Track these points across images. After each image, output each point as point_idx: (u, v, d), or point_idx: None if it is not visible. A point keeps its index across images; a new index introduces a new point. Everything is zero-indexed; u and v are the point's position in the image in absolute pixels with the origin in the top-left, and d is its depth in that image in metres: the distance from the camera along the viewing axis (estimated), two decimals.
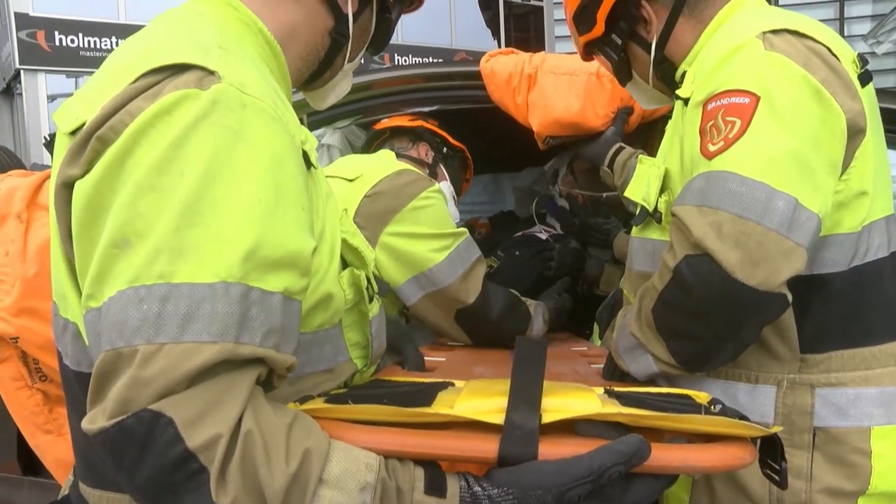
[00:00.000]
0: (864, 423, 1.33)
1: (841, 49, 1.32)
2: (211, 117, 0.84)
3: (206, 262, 0.80)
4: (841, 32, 8.40)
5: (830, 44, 1.31)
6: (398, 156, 2.29)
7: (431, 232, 1.98)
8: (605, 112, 2.24)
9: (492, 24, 15.20)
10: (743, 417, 0.91)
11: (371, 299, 1.16)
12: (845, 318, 1.36)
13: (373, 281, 1.18)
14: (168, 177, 0.81)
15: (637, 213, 1.53)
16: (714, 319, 1.23)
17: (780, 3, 7.57)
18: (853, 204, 1.32)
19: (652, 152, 2.03)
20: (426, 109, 2.60)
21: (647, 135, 2.43)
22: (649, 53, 1.58)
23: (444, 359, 1.79)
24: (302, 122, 1.10)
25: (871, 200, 1.33)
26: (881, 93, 1.57)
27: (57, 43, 11.57)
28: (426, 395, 0.96)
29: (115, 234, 0.82)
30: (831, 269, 1.34)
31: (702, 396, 1.04)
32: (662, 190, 1.45)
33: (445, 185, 2.43)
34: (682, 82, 1.47)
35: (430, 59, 13.93)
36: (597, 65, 2.21)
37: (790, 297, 1.21)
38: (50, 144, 1.14)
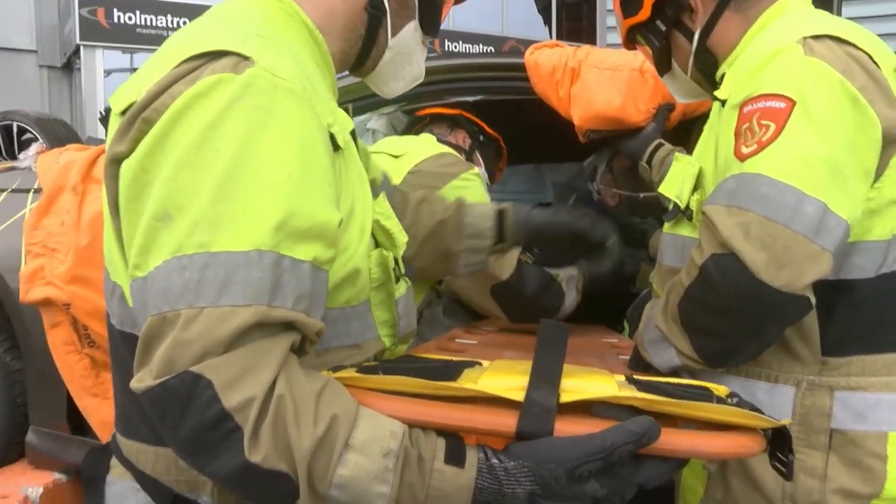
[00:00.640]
0: (883, 429, 1.33)
1: (883, 56, 1.32)
2: (244, 99, 0.89)
3: (241, 232, 0.86)
4: None
5: (872, 51, 1.30)
6: (437, 140, 2.34)
7: None
8: (646, 108, 2.25)
9: (544, 12, 15.04)
10: (756, 410, 0.93)
11: (398, 280, 1.20)
12: (870, 325, 1.35)
13: (400, 263, 1.22)
14: (205, 154, 0.87)
15: (670, 209, 1.55)
16: (738, 318, 1.25)
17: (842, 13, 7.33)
18: (885, 212, 1.32)
19: (691, 150, 2.05)
20: (470, 99, 2.63)
21: (688, 132, 2.43)
22: (691, 43, 1.58)
23: (475, 342, 1.83)
24: (346, 110, 1.14)
25: None
26: None
27: (115, 20, 11.75)
28: (453, 370, 1.00)
29: (157, 208, 0.88)
30: (859, 276, 1.33)
31: (721, 389, 1.06)
32: (696, 188, 1.46)
33: (480, 171, 2.48)
34: (721, 83, 1.48)
35: (481, 47, 13.86)
36: (640, 60, 2.22)
37: (813, 301, 1.22)
38: (105, 119, 1.21)
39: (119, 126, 0.95)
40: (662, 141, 2.18)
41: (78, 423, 2.31)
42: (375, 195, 1.21)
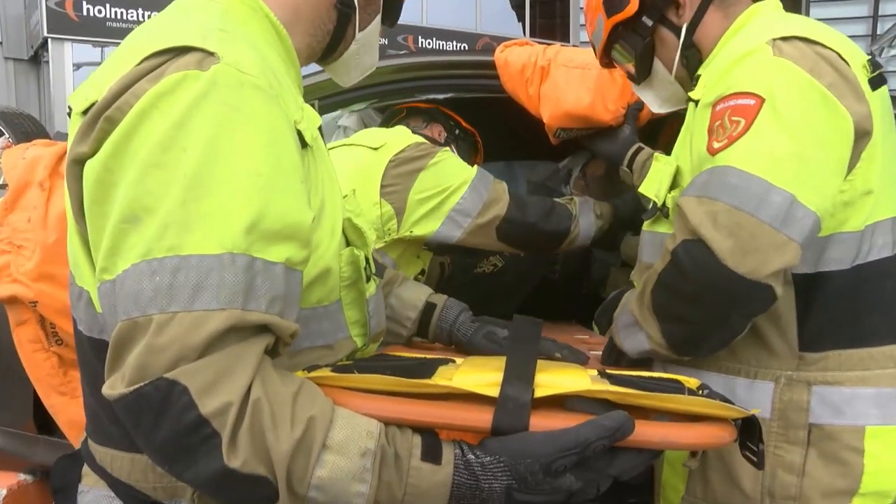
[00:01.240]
0: (859, 422, 1.36)
1: (851, 54, 1.36)
2: (211, 96, 0.88)
3: (212, 234, 0.84)
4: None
5: (840, 49, 1.34)
6: (413, 133, 2.36)
7: (451, 180, 2.14)
8: (615, 107, 2.25)
9: (518, 9, 15.06)
10: (726, 401, 0.94)
11: (368, 279, 1.20)
12: (846, 318, 1.39)
13: (371, 262, 1.21)
14: (172, 154, 0.86)
15: (649, 208, 1.58)
16: (704, 304, 1.28)
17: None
18: (858, 203, 1.36)
19: (658, 149, 2.07)
20: (441, 97, 2.63)
21: (655, 132, 2.45)
22: (678, 38, 1.61)
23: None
24: (314, 106, 1.13)
25: (875, 199, 1.36)
26: None
27: (84, 13, 11.55)
28: (427, 368, 1.01)
29: (125, 210, 0.86)
30: (835, 268, 1.37)
31: (692, 382, 1.08)
32: (673, 186, 1.50)
33: None
34: (696, 84, 1.52)
35: (454, 43, 13.84)
36: None
37: (779, 292, 1.25)
38: None
39: (81, 126, 0.93)
40: (642, 145, 2.19)
41: (44, 423, 2.27)
42: None
